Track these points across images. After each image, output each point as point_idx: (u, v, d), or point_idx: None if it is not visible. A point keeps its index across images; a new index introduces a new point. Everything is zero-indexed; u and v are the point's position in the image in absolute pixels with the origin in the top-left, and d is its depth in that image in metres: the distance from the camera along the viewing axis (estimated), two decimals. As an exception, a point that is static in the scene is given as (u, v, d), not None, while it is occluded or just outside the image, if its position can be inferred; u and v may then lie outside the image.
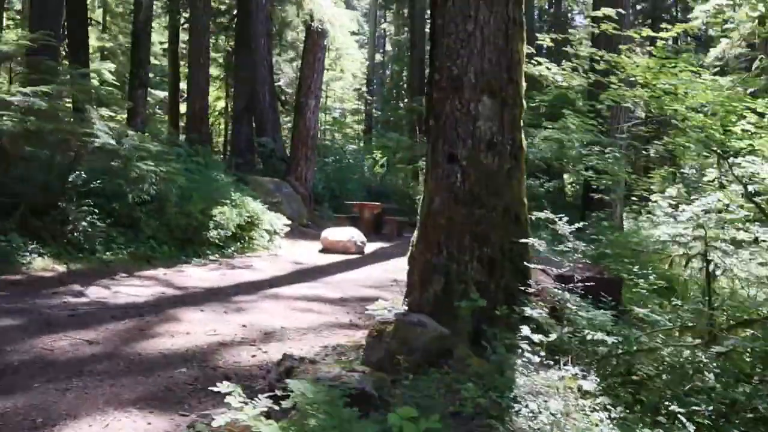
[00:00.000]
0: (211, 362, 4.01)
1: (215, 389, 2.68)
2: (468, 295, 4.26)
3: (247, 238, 9.97)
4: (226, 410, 3.00)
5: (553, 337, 3.82)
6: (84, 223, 7.82)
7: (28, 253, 7.09)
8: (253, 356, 4.16)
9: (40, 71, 6.96)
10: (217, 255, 9.16)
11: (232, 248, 9.57)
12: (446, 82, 4.36)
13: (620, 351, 3.78)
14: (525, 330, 3.83)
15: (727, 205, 5.78)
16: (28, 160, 7.68)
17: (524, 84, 4.65)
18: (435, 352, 3.73)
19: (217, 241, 9.34)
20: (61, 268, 7.14)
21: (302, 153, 13.07)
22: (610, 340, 3.68)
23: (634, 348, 3.87)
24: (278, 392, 2.98)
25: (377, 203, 13.27)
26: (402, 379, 3.42)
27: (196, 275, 7.67)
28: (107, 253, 7.88)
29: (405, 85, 30.59)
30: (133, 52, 13.05)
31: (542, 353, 3.82)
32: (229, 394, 2.47)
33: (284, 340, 4.63)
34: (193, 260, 8.71)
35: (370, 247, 11.05)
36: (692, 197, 10.11)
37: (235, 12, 17.49)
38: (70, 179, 7.82)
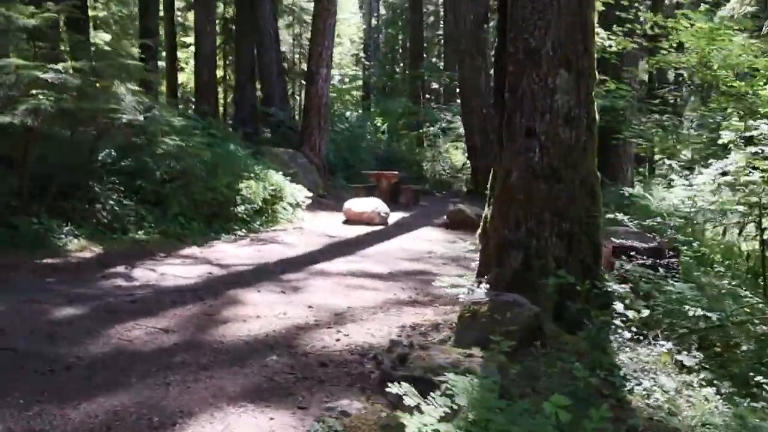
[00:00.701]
0: (298, 348, 3.94)
1: (349, 386, 2.62)
2: (547, 271, 4.23)
3: (270, 211, 9.84)
4: (348, 401, 2.98)
5: (646, 312, 3.81)
6: (112, 203, 7.69)
7: (63, 236, 6.94)
8: (338, 340, 4.10)
9: (65, 46, 6.69)
10: (243, 230, 9.04)
11: (258, 222, 9.44)
12: (523, 55, 4.24)
13: (716, 324, 3.77)
14: (618, 306, 3.81)
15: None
16: (56, 140, 7.46)
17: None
18: (529, 330, 3.71)
19: (244, 215, 9.22)
20: (98, 249, 7.00)
21: (315, 122, 12.85)
22: (714, 315, 3.66)
23: (729, 321, 3.86)
24: (398, 383, 2.94)
25: (395, 172, 13.13)
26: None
27: (231, 252, 7.56)
28: (139, 232, 7.74)
29: (400, 50, 30.19)
30: (141, 22, 12.65)
31: (633, 329, 3.82)
32: (405, 395, 2.36)
33: (357, 321, 4.57)
34: (222, 236, 8.59)
35: (392, 217, 10.98)
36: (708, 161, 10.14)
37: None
38: (99, 158, 7.63)
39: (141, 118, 7.52)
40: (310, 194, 10.73)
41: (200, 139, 9.09)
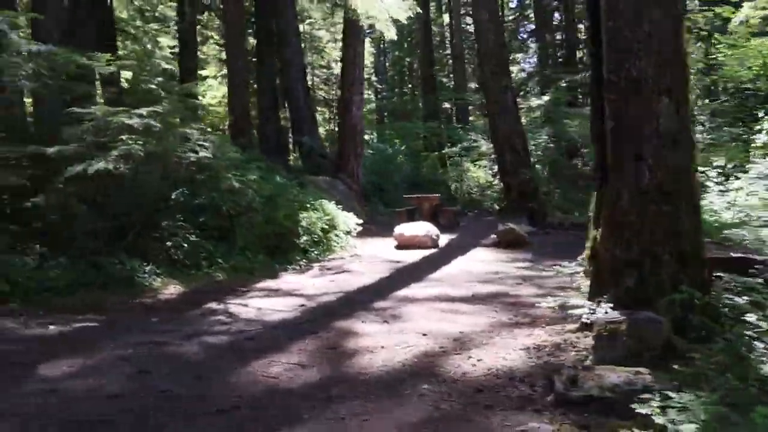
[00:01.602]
0: (441, 375, 4.08)
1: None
2: (662, 288, 4.41)
3: (326, 240, 10.03)
4: (536, 424, 3.13)
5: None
6: (183, 240, 7.88)
7: (146, 275, 7.13)
8: (474, 366, 4.23)
9: (137, 91, 6.93)
10: (304, 260, 9.20)
11: (315, 252, 9.61)
12: (625, 84, 4.46)
13: None
14: (751, 317, 3.99)
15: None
16: (130, 181, 7.67)
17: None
18: (667, 347, 3.88)
19: (306, 246, 9.41)
20: (180, 287, 7.16)
21: (351, 149, 13.09)
22: None
23: None
24: (574, 404, 3.11)
25: (436, 195, 13.36)
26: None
27: (306, 283, 7.71)
28: (211, 267, 7.92)
29: (407, 71, 30.62)
30: (181, 59, 12.95)
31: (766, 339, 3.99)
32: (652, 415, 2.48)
33: (479, 346, 4.71)
34: (287, 267, 8.77)
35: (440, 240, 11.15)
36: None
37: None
38: (172, 196, 7.83)
39: (210, 155, 7.74)
40: (360, 221, 10.93)
41: (257, 172, 9.30)
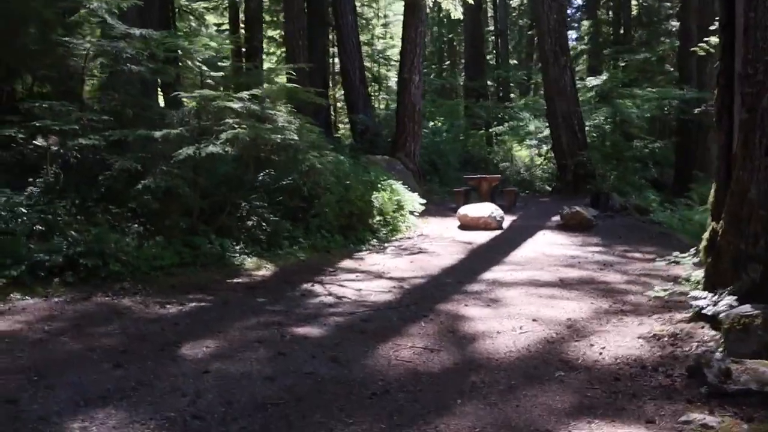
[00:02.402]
0: (571, 362, 4.15)
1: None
2: (788, 282, 4.46)
3: (393, 220, 10.15)
4: (699, 415, 3.22)
5: None
6: (264, 220, 8.04)
7: (237, 254, 7.32)
8: (600, 353, 4.29)
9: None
10: (374, 240, 9.36)
11: (384, 232, 9.74)
12: (762, 76, 4.45)
13: None
14: None
15: None
16: (220, 162, 7.82)
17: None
18: (803, 342, 3.95)
19: (377, 226, 9.54)
20: (270, 266, 7.34)
21: (410, 129, 13.13)
22: None
23: None
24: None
25: (497, 176, 13.39)
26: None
27: (389, 264, 7.83)
28: (293, 247, 8.09)
29: (446, 48, 30.34)
30: (247, 39, 13.05)
31: None
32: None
33: (595, 333, 4.77)
34: (362, 247, 8.92)
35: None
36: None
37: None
38: (259, 177, 7.97)
39: (295, 137, 7.84)
40: (424, 201, 11.01)
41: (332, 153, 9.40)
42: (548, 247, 8.90)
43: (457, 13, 11.38)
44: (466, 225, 10.62)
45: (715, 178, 5.04)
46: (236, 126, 6.23)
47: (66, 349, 4.28)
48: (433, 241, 9.57)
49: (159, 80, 7.33)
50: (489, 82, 25.50)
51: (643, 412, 3.39)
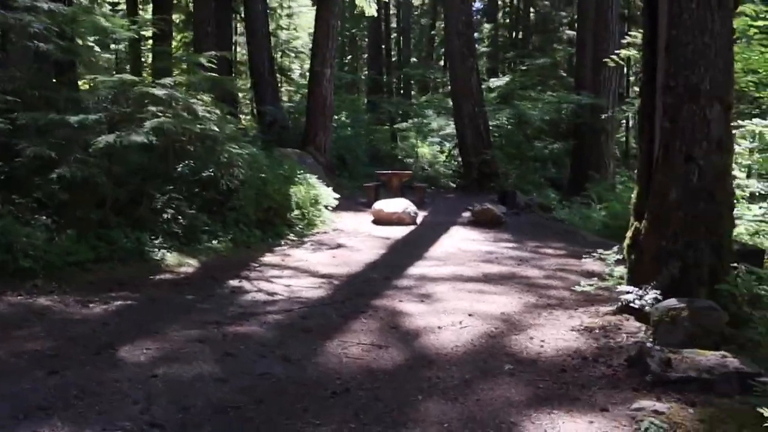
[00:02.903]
0: (516, 355, 4.31)
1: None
2: (702, 278, 4.88)
3: (309, 214, 10.03)
4: (649, 402, 3.46)
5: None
6: (182, 214, 7.69)
7: (156, 249, 6.96)
8: (541, 346, 4.50)
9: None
10: (291, 234, 9.22)
11: (300, 226, 9.62)
12: (682, 89, 4.81)
13: None
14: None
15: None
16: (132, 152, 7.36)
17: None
18: (720, 332, 4.34)
19: (296, 220, 9.39)
20: (192, 262, 7.05)
21: (321, 122, 13.01)
22: None
23: None
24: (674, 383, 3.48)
25: (408, 172, 13.55)
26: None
27: (311, 259, 7.74)
28: (212, 241, 7.80)
29: (348, 43, 30.27)
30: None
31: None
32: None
33: (532, 326, 4.96)
34: (281, 242, 8.76)
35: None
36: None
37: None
38: (178, 168, 7.58)
39: (216, 128, 7.56)
40: (338, 196, 10.97)
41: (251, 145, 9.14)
42: (464, 243, 9.17)
43: (371, 10, 11.41)
44: (381, 220, 10.71)
45: (637, 181, 5.41)
46: (160, 114, 5.89)
47: (-13, 357, 3.87)
48: (350, 236, 9.57)
49: (77, 62, 6.73)
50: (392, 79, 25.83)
51: (596, 401, 3.59)
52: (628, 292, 4.94)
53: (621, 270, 5.66)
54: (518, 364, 4.21)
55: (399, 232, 10.04)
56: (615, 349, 4.44)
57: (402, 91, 25.03)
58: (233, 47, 15.83)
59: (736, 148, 6.90)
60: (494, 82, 16.57)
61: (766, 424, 2.92)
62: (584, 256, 6.62)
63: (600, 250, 6.20)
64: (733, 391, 3.50)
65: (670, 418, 3.28)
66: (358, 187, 13.93)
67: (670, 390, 3.62)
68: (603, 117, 13.56)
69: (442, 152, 18.84)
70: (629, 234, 5.30)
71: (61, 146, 5.82)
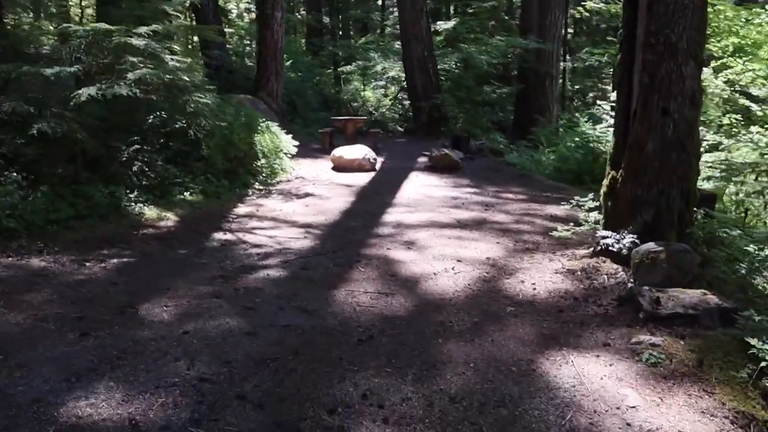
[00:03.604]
0: (514, 298, 4.64)
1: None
2: (673, 223, 5.36)
3: (271, 163, 9.99)
4: (645, 336, 3.89)
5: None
6: (154, 166, 7.56)
7: (133, 204, 6.85)
8: (534, 288, 4.86)
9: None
10: (257, 184, 9.21)
11: (264, 175, 9.60)
12: (663, 47, 5.12)
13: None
14: (751, 247, 5.06)
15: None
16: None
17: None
18: (693, 272, 4.83)
19: (259, 169, 9.35)
20: (170, 215, 7.00)
21: (272, 68, 12.74)
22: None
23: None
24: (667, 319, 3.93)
25: (362, 117, 13.54)
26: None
27: (284, 209, 7.81)
28: (184, 194, 7.74)
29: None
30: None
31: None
32: None
33: (519, 271, 5.30)
34: (248, 191, 8.76)
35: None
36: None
37: None
38: (149, 121, 7.37)
39: (186, 78, 7.37)
40: (297, 143, 10.93)
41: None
42: (427, 189, 9.44)
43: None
44: (341, 167, 10.80)
45: (614, 133, 5.77)
46: (141, 65, 5.71)
47: (12, 322, 3.84)
48: (314, 184, 9.65)
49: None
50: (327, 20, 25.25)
51: (597, 337, 4.00)
52: (606, 237, 5.36)
53: (594, 216, 6.09)
54: (518, 306, 4.57)
55: (361, 178, 10.19)
56: (600, 290, 4.86)
57: (341, 33, 24.56)
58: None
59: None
60: (441, 26, 16.60)
61: (751, 351, 3.40)
62: (563, 203, 7.02)
63: (577, 197, 6.60)
64: (714, 324, 3.97)
65: (665, 349, 3.73)
66: (309, 133, 13.87)
67: (661, 325, 4.06)
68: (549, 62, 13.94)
69: (386, 96, 18.85)
70: (606, 182, 5.69)
71: (37, 100, 5.57)
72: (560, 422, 3.09)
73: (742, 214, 7.00)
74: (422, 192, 9.17)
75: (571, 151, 11.20)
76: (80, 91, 5.44)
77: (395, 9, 28.65)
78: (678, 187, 5.29)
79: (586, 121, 13.09)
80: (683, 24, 5.08)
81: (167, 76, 6.84)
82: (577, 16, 9.16)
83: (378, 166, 11.28)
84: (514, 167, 11.49)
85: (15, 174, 6.07)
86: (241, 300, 4.46)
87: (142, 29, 5.99)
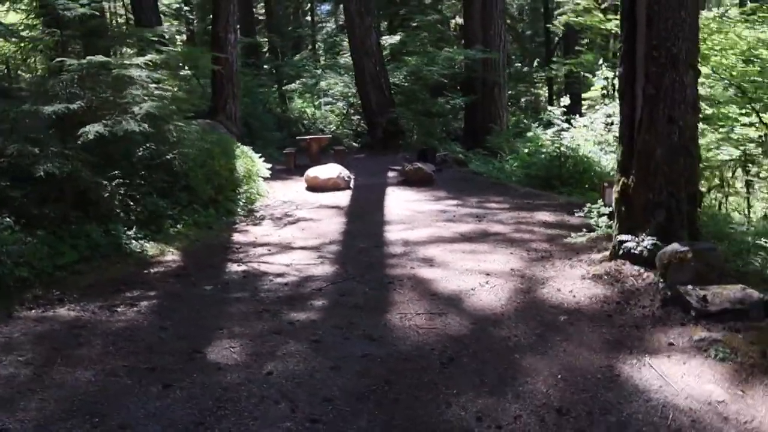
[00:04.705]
0: (559, 307, 4.77)
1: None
2: (682, 223, 5.71)
3: (249, 187, 9.81)
4: (706, 334, 4.13)
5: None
6: (142, 200, 7.28)
7: (133, 241, 6.58)
8: (573, 296, 4.99)
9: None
10: (240, 210, 9.02)
11: (243, 200, 9.41)
12: (665, 59, 5.45)
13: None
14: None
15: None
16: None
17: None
18: (721, 268, 5.16)
19: (240, 194, 9.16)
20: (173, 249, 6.76)
21: (229, 91, 12.50)
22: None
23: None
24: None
25: (327, 136, 13.46)
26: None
27: (282, 234, 7.68)
28: (177, 226, 7.48)
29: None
30: None
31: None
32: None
33: (549, 279, 5.42)
34: (235, 219, 8.58)
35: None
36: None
37: None
38: (138, 153, 7.08)
39: (172, 107, 7.16)
40: (270, 165, 10.78)
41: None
42: (410, 204, 9.52)
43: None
44: (316, 187, 10.73)
45: (620, 142, 6.07)
46: (146, 98, 5.52)
47: (84, 380, 3.63)
48: (297, 206, 9.54)
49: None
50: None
51: (658, 338, 4.21)
52: (626, 240, 5.63)
53: (604, 221, 6.38)
54: (568, 314, 4.73)
55: (339, 197, 10.16)
56: (634, 292, 5.08)
57: (280, 51, 24.28)
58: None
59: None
60: (387, 40, 16.81)
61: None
62: (575, 210, 7.28)
63: (589, 204, 6.87)
64: (760, 317, 4.28)
65: (727, 344, 3.97)
66: (269, 154, 13.63)
67: (713, 321, 4.31)
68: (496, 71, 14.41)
69: (332, 112, 18.85)
70: (617, 188, 5.97)
71: (38, 140, 5.26)
72: (666, 423, 3.26)
73: (725, 210, 7.54)
74: (408, 207, 9.25)
75: (533, 157, 11.63)
76: (86, 129, 5.19)
77: (324, 24, 28.85)
78: (686, 189, 5.64)
79: (537, 127, 13.64)
80: (682, 36, 5.43)
81: (171, 106, 6.61)
82: (553, 29, 9.49)
83: (352, 183, 11.29)
84: (482, 176, 11.79)
85: (8, 218, 5.70)
86: (302, 333, 4.39)
87: (139, 60, 5.78)
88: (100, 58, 5.57)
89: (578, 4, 9.80)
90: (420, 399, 3.47)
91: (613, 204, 6.05)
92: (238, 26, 13.06)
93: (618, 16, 7.79)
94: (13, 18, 11.50)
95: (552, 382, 3.65)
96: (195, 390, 3.53)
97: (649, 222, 5.65)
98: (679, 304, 4.57)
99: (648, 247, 5.46)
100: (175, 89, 7.34)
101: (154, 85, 6.34)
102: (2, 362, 3.85)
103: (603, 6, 13.64)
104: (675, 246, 5.18)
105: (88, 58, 5.54)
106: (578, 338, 4.27)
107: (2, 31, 5.87)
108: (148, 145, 7.09)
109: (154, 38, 7.06)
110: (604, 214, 6.46)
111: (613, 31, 9.51)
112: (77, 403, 3.35)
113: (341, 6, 25.01)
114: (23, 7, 7.46)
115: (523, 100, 24.46)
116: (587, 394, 3.52)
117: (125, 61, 5.75)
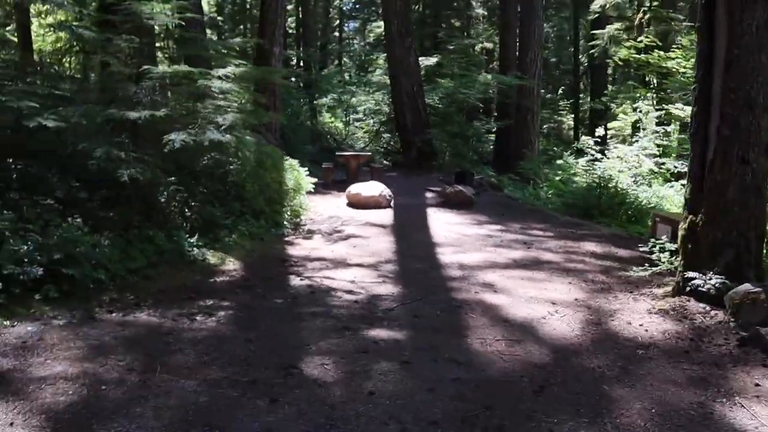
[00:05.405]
0: (633, 340, 4.81)
1: None
2: (750, 263, 5.77)
3: (296, 201, 9.90)
4: None
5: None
6: (201, 208, 7.39)
7: (194, 248, 6.66)
8: (646, 330, 5.01)
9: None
10: (287, 224, 9.11)
11: (289, 213, 9.51)
12: (742, 102, 5.55)
13: None
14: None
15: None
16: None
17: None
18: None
19: (287, 208, 9.26)
20: (232, 259, 6.85)
21: (271, 103, 12.64)
22: None
23: None
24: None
25: (368, 153, 13.58)
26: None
27: (336, 250, 7.77)
28: (232, 236, 7.57)
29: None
30: None
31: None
32: None
33: (617, 312, 5.47)
34: (283, 232, 8.66)
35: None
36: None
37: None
38: (203, 163, 7.19)
39: (239, 115, 7.26)
40: (315, 180, 10.87)
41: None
42: (454, 227, 9.59)
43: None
44: (358, 204, 10.82)
45: (689, 180, 6.14)
46: (228, 109, 5.63)
47: (189, 390, 3.68)
48: (344, 222, 9.63)
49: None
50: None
51: (742, 378, 4.22)
52: (693, 278, 5.68)
53: (665, 256, 6.44)
54: (644, 348, 4.76)
55: (382, 216, 10.23)
56: (705, 330, 5.11)
57: (308, 67, 24.55)
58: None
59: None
60: (424, 62, 17.00)
61: None
62: (639, 245, 7.33)
63: (653, 239, 6.92)
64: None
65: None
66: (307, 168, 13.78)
67: (794, 357, 4.37)
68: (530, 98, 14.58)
69: (361, 129, 19.02)
70: (684, 225, 6.03)
71: (122, 144, 5.36)
72: (767, 465, 3.29)
73: None
74: (452, 230, 9.31)
75: (567, 186, 11.72)
76: (172, 137, 5.29)
77: (351, 40, 29.21)
78: (755, 230, 5.71)
79: (569, 155, 13.75)
80: (761, 80, 5.54)
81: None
82: (612, 64, 9.65)
83: (392, 203, 11.37)
84: (518, 201, 11.86)
85: (78, 219, 5.78)
86: (389, 353, 4.44)
87: (220, 71, 5.90)
88: (185, 67, 5.69)
89: (624, 38, 9.93)
90: (523, 426, 3.51)
91: (678, 241, 6.11)
92: (282, 41, 13.20)
93: (675, 54, 8.04)
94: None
95: (647, 416, 3.68)
96: (302, 406, 3.57)
97: (716, 260, 5.71)
98: (759, 345, 4.61)
99: (716, 285, 5.51)
100: (243, 101, 7.33)
101: (232, 97, 6.46)
102: (105, 365, 3.91)
103: (639, 40, 13.84)
104: (747, 286, 5.23)
105: (174, 67, 5.65)
106: (661, 373, 4.30)
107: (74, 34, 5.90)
108: (212, 154, 7.20)
109: (224, 50, 7.16)
110: (668, 250, 6.50)
111: (674, 69, 9.69)
112: (191, 413, 3.39)
113: (369, 24, 25.45)
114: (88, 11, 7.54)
115: (545, 126, 24.61)
116: (685, 431, 3.56)
117: (211, 72, 5.82)
